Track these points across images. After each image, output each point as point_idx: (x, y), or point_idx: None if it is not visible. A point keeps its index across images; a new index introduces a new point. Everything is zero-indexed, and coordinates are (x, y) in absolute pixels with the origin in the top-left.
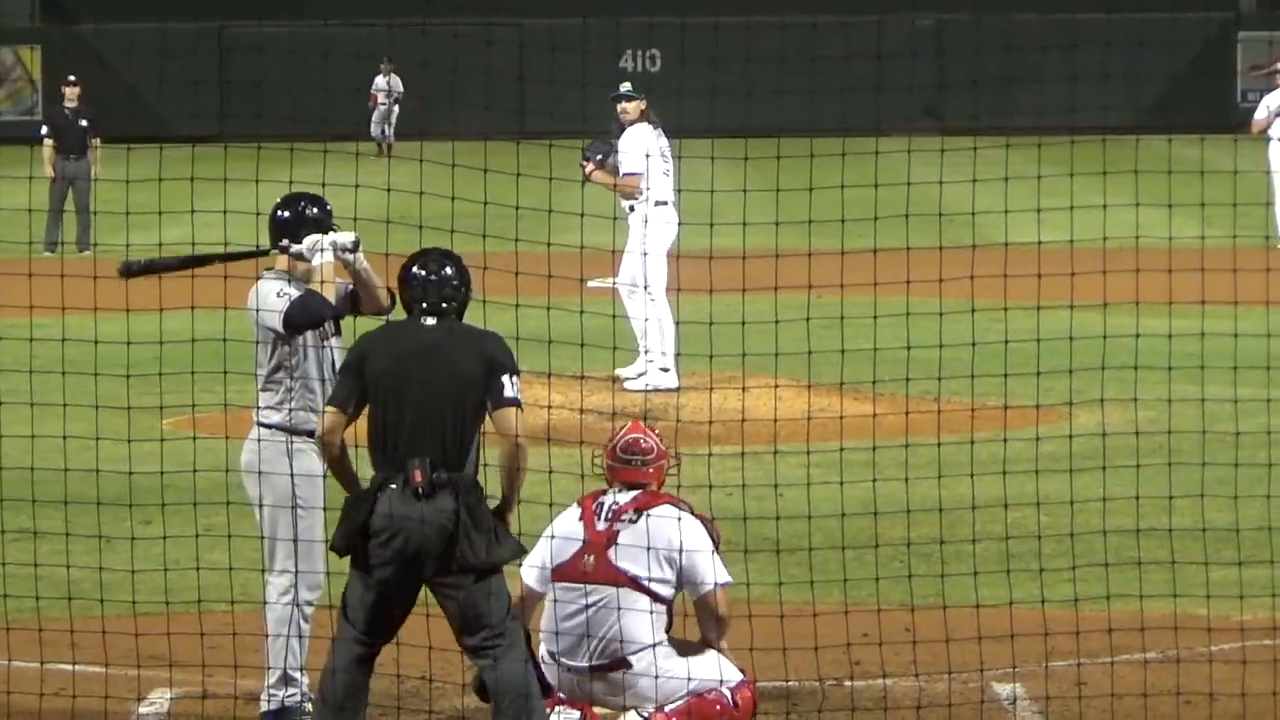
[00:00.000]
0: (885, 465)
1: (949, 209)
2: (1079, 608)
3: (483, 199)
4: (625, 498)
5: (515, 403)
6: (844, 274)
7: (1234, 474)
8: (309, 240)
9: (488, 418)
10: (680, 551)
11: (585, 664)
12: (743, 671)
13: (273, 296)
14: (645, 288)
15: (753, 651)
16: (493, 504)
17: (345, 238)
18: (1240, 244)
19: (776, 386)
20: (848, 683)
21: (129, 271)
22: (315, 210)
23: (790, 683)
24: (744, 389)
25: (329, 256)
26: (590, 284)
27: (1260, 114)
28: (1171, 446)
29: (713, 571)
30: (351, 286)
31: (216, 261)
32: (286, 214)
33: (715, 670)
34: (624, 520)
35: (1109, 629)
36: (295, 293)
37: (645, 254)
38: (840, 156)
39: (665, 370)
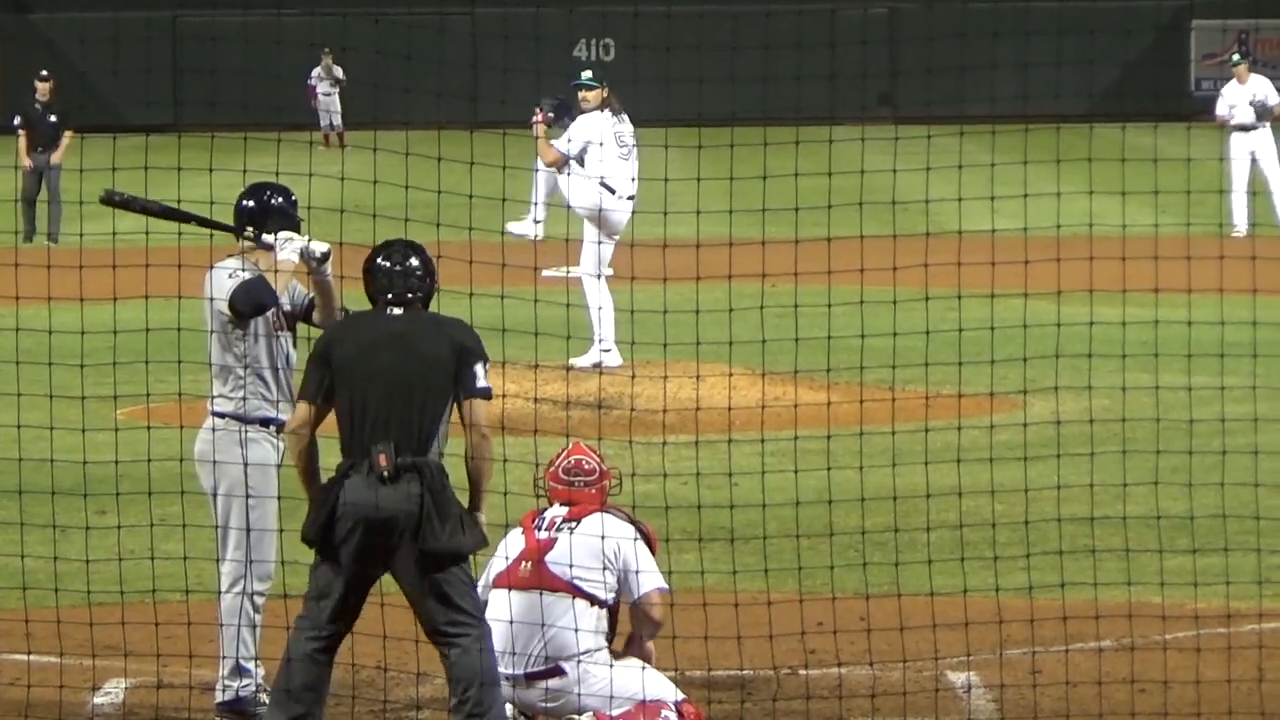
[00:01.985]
0: (840, 454)
1: (903, 197)
2: (1033, 596)
3: (436, 188)
4: (564, 511)
5: (486, 393)
6: (798, 262)
7: (1188, 462)
8: (283, 234)
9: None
10: (617, 556)
11: (521, 671)
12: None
13: (224, 280)
14: (599, 277)
15: (707, 640)
16: (461, 497)
17: (319, 246)
18: (1194, 232)
19: (731, 375)
20: (802, 671)
21: (108, 199)
22: (280, 200)
23: (745, 671)
24: (698, 377)
25: (294, 256)
26: (544, 273)
27: (1221, 109)
28: (1126, 434)
29: (650, 576)
30: (311, 296)
31: (194, 223)
32: (251, 203)
33: (640, 684)
34: (562, 529)
35: (1063, 617)
36: (247, 277)
37: (600, 243)
38: (794, 145)
39: (607, 350)
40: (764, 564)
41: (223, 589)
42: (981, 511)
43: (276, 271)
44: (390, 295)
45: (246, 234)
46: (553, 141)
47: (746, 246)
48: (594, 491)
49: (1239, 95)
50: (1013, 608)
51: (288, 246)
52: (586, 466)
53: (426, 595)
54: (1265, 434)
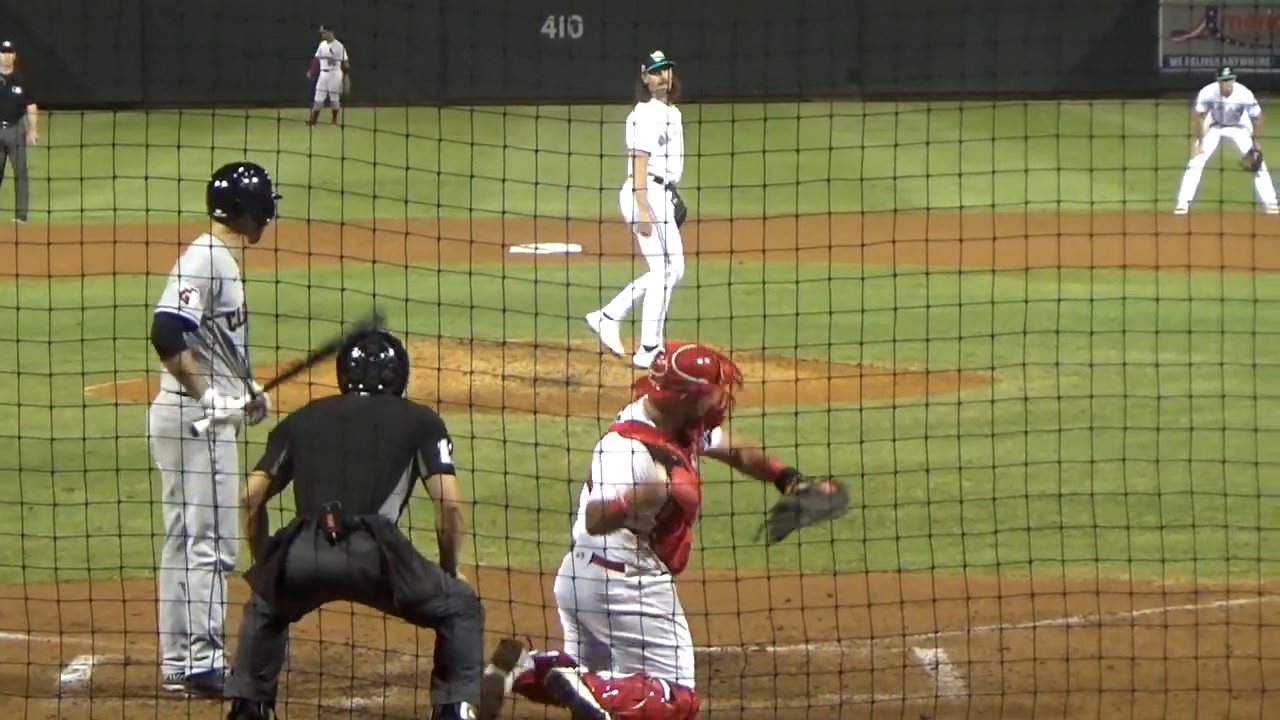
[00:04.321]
0: (807, 430)
1: (870, 174)
2: (1001, 572)
3: (404, 165)
4: (624, 414)
5: (449, 469)
6: (765, 239)
7: (1155, 439)
8: (207, 398)
9: (421, 483)
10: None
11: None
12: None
13: (192, 257)
14: (665, 256)
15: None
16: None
17: (253, 412)
18: (1161, 208)
19: None
20: (770, 648)
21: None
22: (254, 180)
23: (713, 648)
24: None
25: (217, 413)
26: (513, 249)
27: (1200, 108)
28: (1093, 411)
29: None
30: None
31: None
32: (224, 184)
33: (664, 653)
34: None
35: (1031, 593)
36: (220, 258)
37: (665, 222)
38: (762, 121)
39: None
40: (731, 540)
41: (192, 564)
42: (949, 488)
43: (188, 375)
44: (361, 385)
45: (219, 214)
46: (634, 146)
47: (714, 223)
48: (659, 389)
49: (1217, 99)
50: (980, 584)
51: (208, 418)
52: (659, 363)
53: (409, 617)
54: (1232, 410)
